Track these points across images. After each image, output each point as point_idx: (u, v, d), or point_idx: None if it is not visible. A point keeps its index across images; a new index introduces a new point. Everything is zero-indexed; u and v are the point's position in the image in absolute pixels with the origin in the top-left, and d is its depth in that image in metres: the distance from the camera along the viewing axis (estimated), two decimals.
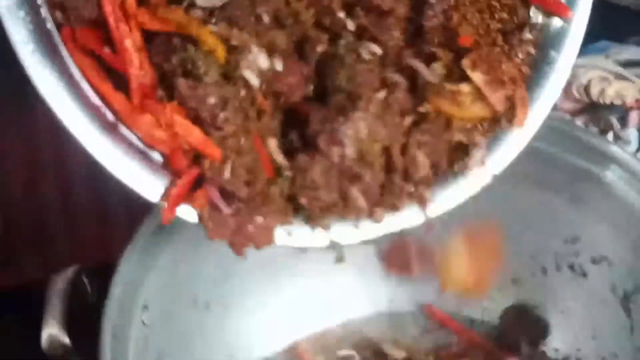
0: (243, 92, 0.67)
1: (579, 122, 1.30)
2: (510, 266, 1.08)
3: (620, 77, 1.33)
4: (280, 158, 0.71)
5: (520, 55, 0.73)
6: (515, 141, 0.74)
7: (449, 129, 0.72)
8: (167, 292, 0.96)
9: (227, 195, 0.68)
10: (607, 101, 1.32)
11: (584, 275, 1.08)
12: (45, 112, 0.63)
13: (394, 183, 0.72)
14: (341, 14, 0.71)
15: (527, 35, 0.74)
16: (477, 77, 0.70)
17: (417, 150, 0.72)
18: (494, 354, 1.07)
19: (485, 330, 1.12)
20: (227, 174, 0.67)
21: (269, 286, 1.08)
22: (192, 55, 0.65)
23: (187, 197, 0.68)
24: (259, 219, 0.70)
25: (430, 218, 0.75)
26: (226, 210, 0.68)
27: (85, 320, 0.88)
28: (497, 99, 0.71)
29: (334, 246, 0.76)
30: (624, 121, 1.56)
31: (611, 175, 0.99)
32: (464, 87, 0.70)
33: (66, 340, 0.87)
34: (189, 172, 0.67)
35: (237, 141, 0.67)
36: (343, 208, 0.72)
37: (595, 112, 1.34)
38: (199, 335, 1.02)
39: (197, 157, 0.67)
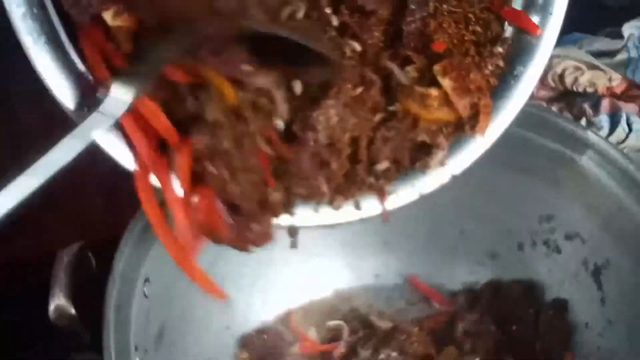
0: (253, 127, 0.69)
1: (554, 108, 1.30)
2: (488, 242, 1.08)
3: (592, 66, 1.34)
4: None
5: (489, 67, 0.74)
6: (476, 146, 0.76)
7: (415, 129, 0.73)
8: (168, 267, 0.96)
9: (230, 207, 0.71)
10: (580, 89, 1.33)
11: (558, 251, 1.09)
12: None
13: (357, 174, 0.74)
14: (328, 10, 0.71)
15: (498, 49, 0.74)
16: (446, 83, 0.71)
17: (382, 145, 0.73)
18: (475, 325, 1.07)
19: (466, 302, 1.12)
20: (235, 188, 0.69)
21: (263, 260, 1.07)
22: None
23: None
24: (256, 227, 0.73)
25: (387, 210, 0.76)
26: (229, 221, 0.71)
27: (90, 292, 0.88)
28: (462, 105, 0.72)
29: (292, 230, 0.78)
30: (596, 108, 1.56)
31: (585, 159, 0.99)
32: (433, 91, 0.71)
33: (72, 311, 0.87)
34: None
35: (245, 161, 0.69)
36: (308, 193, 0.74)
37: (569, 99, 1.35)
38: (198, 307, 1.02)
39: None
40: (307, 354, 1.07)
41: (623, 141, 1.30)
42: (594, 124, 1.31)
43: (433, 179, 0.76)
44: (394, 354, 1.02)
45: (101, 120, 0.63)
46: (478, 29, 0.74)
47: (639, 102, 1.71)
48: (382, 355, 1.02)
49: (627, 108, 1.72)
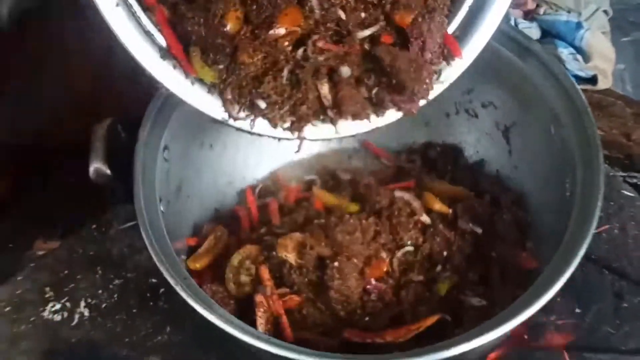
0: None
1: None
2: (423, 113, 0.99)
3: None
4: None
5: None
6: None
7: None
8: (182, 137, 0.89)
9: None
10: None
11: (476, 116, 1.01)
12: None
13: None
14: None
15: None
16: None
17: None
18: (416, 174, 1.00)
19: (406, 158, 1.05)
20: None
21: None
22: None
23: None
24: None
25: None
26: None
27: (121, 157, 0.79)
28: None
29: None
30: None
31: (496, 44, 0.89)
32: None
33: (108, 171, 0.78)
34: None
35: None
36: None
37: None
38: (206, 167, 0.96)
39: None
40: (291, 199, 0.99)
41: None
42: None
43: None
44: None
45: None
46: None
47: (523, 9, 1.66)
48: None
49: (515, 14, 1.66)
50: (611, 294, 0.91)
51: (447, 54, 0.71)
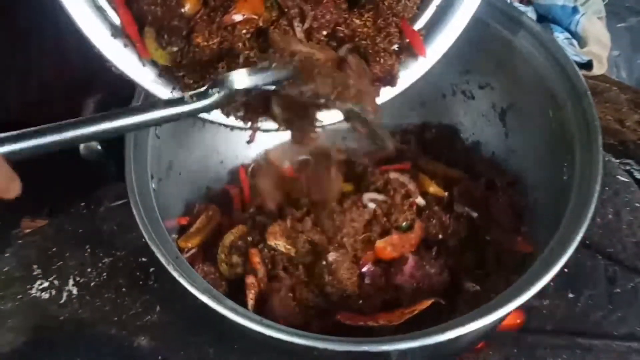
0: None
1: None
2: (419, 94, 0.98)
3: None
4: None
5: None
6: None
7: None
8: None
9: None
10: None
11: (473, 97, 0.99)
12: None
13: None
14: None
15: None
16: None
17: None
18: (411, 155, 0.98)
19: (403, 138, 1.03)
20: None
21: None
22: None
23: None
24: None
25: None
26: None
27: None
28: None
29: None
30: None
31: (493, 22, 0.88)
32: None
33: (98, 147, 0.76)
34: None
35: None
36: None
37: None
38: (198, 145, 0.94)
39: None
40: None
41: None
42: None
43: None
44: None
45: None
46: None
47: None
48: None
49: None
50: (604, 279, 0.91)
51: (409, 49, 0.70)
